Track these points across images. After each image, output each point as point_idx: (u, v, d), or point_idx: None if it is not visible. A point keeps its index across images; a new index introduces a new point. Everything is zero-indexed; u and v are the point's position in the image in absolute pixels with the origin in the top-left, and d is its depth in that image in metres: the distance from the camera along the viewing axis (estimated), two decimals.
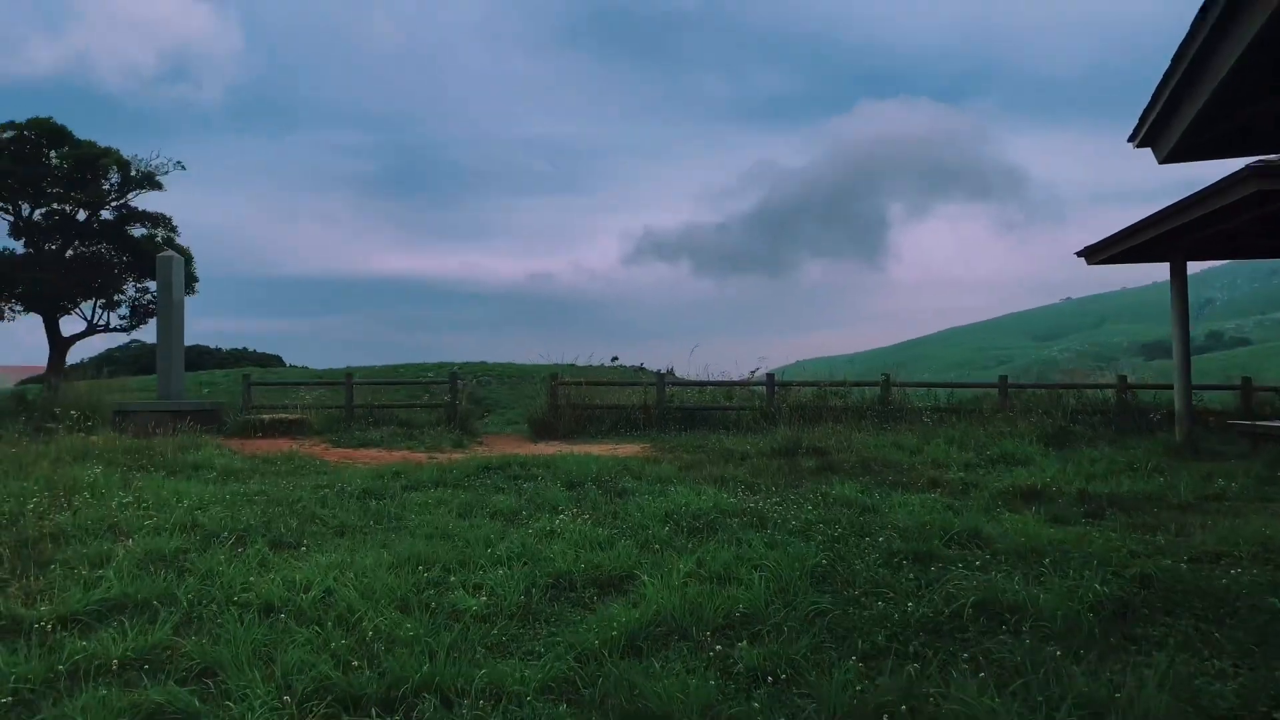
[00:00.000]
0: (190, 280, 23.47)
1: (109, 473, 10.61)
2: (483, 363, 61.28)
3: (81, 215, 22.54)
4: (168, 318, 17.86)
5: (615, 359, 71.67)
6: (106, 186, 22.22)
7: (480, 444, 16.69)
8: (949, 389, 20.30)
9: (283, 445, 15.63)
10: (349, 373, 19.03)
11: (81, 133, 21.83)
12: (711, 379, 21.96)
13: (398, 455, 14.36)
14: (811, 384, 17.89)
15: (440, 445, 15.59)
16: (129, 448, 12.47)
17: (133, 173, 22.27)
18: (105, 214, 22.78)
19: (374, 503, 8.78)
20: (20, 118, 22.43)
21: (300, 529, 7.59)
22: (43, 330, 22.15)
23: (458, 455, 14.45)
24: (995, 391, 18.42)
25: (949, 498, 9.23)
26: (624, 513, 8.09)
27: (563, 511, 8.24)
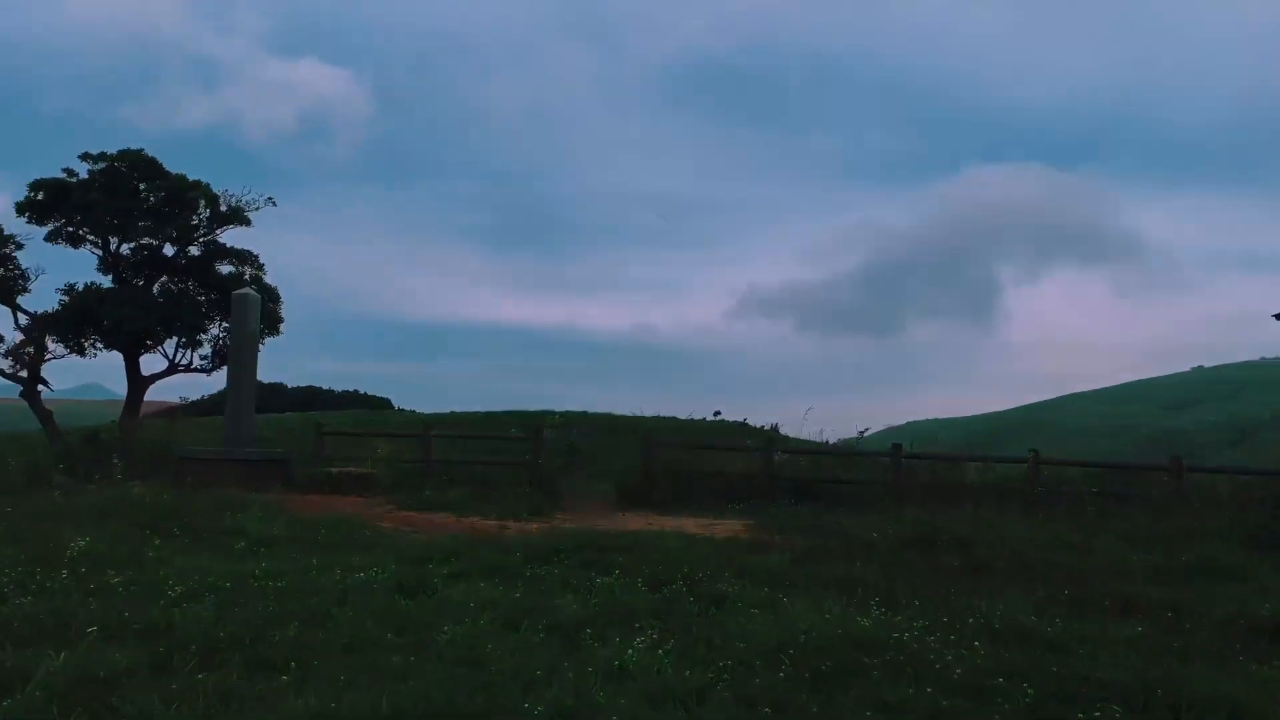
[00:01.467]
0: (274, 321, 22.59)
1: (121, 539, 9.17)
2: (583, 412, 59.85)
3: (169, 250, 21.93)
4: (239, 359, 16.74)
5: (718, 414, 68.86)
6: (195, 221, 21.60)
7: (561, 511, 14.85)
8: (1102, 469, 17.51)
9: (346, 504, 14.11)
10: (427, 422, 17.54)
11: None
12: (825, 442, 19.74)
13: (466, 523, 12.62)
14: (945, 457, 15.55)
15: (516, 512, 13.80)
16: (164, 506, 11.06)
17: (222, 208, 21.60)
18: (193, 250, 22.13)
19: (405, 602, 6.95)
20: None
21: (298, 640, 5.81)
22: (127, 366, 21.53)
23: (533, 526, 12.64)
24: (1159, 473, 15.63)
25: (1159, 630, 6.89)
26: (721, 639, 6.04)
27: (640, 630, 6.26)
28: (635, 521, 13.74)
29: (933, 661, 5.62)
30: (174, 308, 21.33)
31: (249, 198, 22.00)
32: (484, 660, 5.55)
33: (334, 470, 16.09)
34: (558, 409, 59.91)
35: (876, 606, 7.24)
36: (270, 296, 22.50)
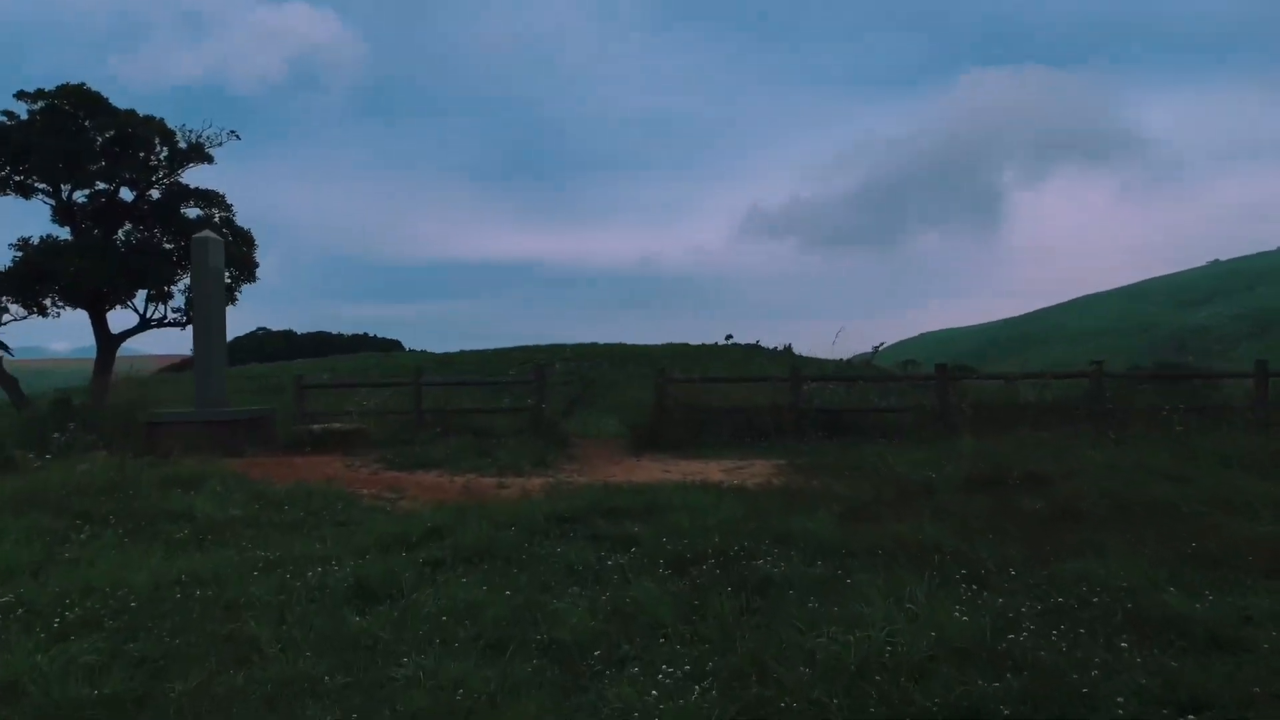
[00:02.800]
0: (249, 267, 20.86)
1: (39, 534, 7.66)
2: (593, 344, 58.67)
3: (128, 196, 20.12)
4: (203, 309, 15.09)
5: (729, 337, 67.42)
6: (153, 162, 19.76)
7: (568, 460, 13.33)
8: (1181, 379, 15.81)
9: (328, 466, 12.61)
10: (418, 368, 15.94)
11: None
12: (846, 361, 18.13)
13: (459, 484, 11.10)
14: (998, 376, 13.88)
15: (518, 464, 12.27)
16: (104, 484, 9.53)
17: (180, 144, 19.69)
18: (154, 194, 20.29)
19: (359, 617, 5.40)
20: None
21: (203, 691, 4.29)
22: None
23: (535, 482, 11.11)
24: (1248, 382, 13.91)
25: None
26: (777, 655, 4.47)
27: (667, 647, 4.71)
28: (651, 469, 12.21)
29: (1076, 683, 4.04)
30: (138, 258, 19.58)
31: (209, 132, 20.11)
32: (453, 709, 4.02)
33: (317, 428, 14.57)
34: (568, 342, 58.62)
35: (964, 585, 5.66)
36: (243, 240, 20.76)
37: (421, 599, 5.62)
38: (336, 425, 14.68)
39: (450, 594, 5.67)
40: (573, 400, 40.92)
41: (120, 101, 19.52)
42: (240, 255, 20.34)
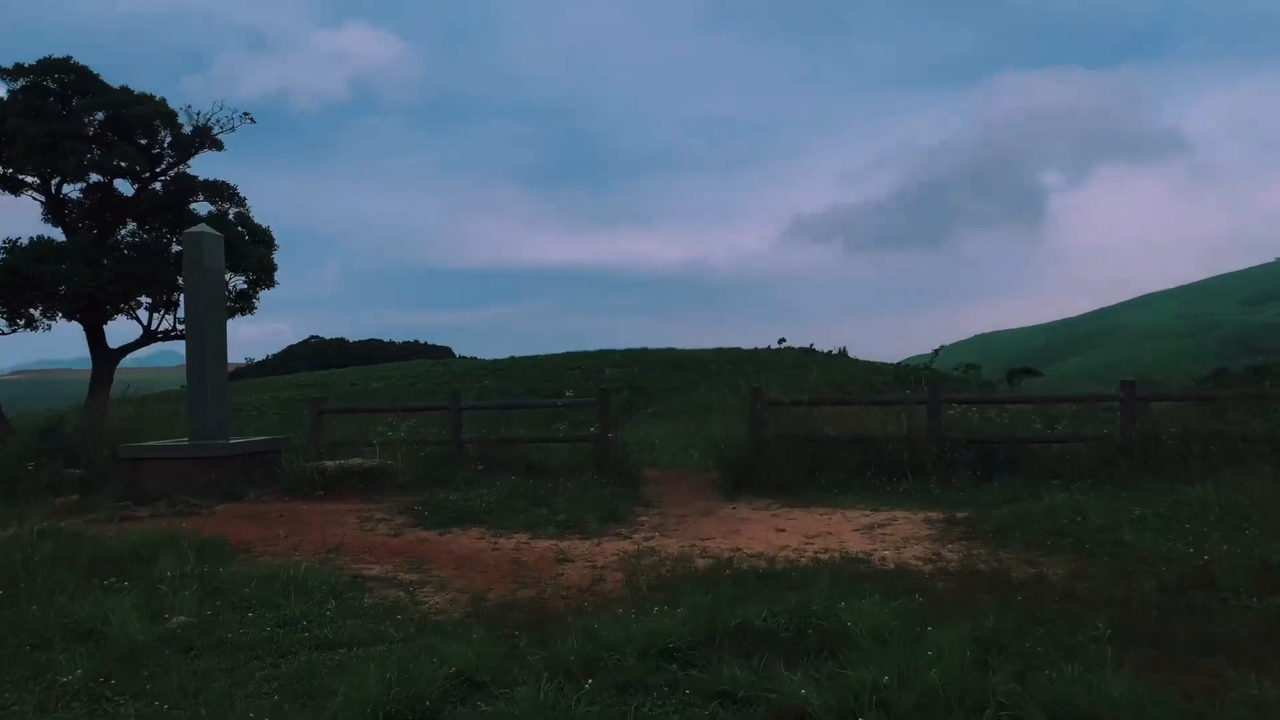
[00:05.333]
0: (267, 270, 18.18)
1: None
2: (643, 349, 55.95)
3: (127, 190, 17.58)
4: (198, 318, 12.39)
5: (782, 341, 64.40)
6: (155, 151, 17.22)
7: (645, 505, 10.39)
8: None
9: (339, 523, 9.81)
10: (455, 393, 13.09)
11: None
12: (988, 386, 14.96)
13: (507, 550, 8.19)
14: (1207, 396, 10.64)
15: (582, 518, 9.33)
16: (4, 573, 6.77)
17: (184, 128, 17.13)
18: (156, 187, 17.71)
19: None
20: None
21: None
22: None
23: (609, 547, 8.18)
24: None
25: None
26: None
27: None
28: (757, 526, 9.24)
29: None
30: (139, 261, 17.00)
31: (219, 115, 17.50)
32: None
33: (331, 465, 11.77)
34: (617, 348, 55.97)
35: None
36: (260, 239, 18.11)
37: None
38: (356, 461, 11.87)
39: None
40: (624, 408, 38.13)
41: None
42: (257, 257, 17.70)
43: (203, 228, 12.76)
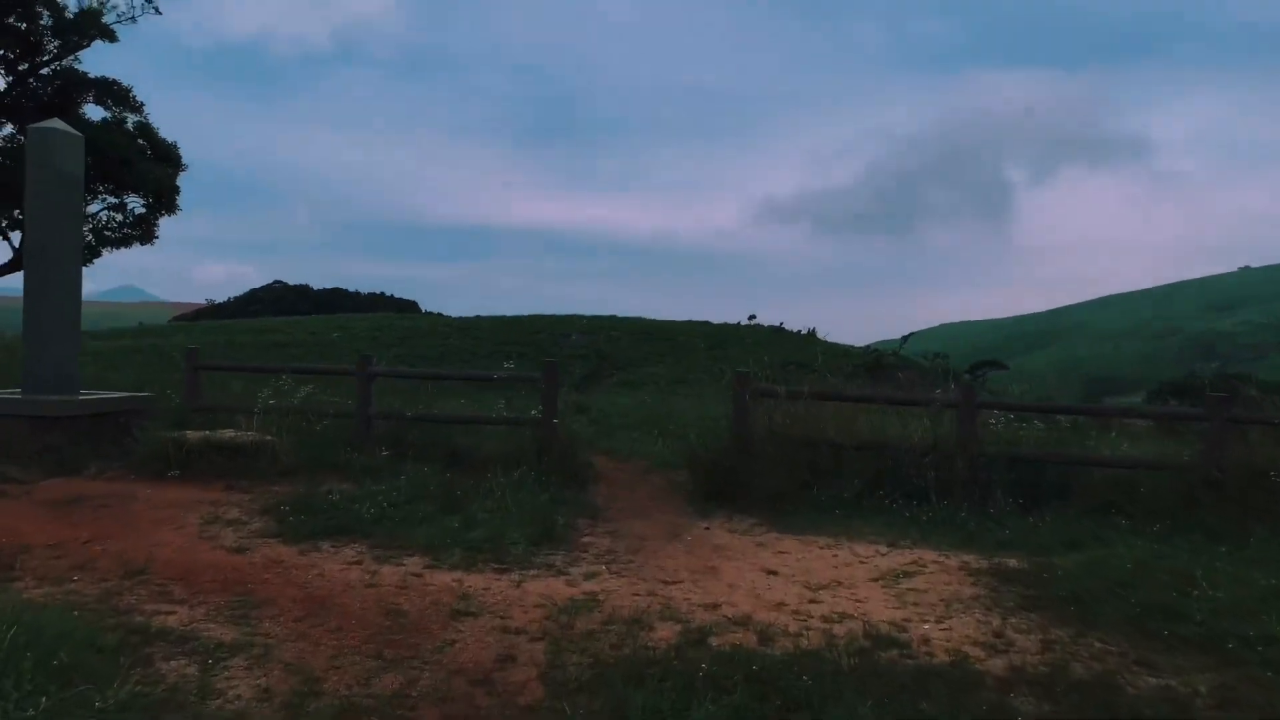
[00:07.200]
0: (169, 193, 15.36)
1: None
2: (611, 316, 53.56)
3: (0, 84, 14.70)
4: (39, 236, 9.75)
5: (752, 318, 62.22)
6: (34, 38, 14.33)
7: (593, 519, 7.94)
8: None
9: (179, 519, 7.31)
10: (366, 356, 10.49)
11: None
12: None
13: (385, 589, 5.72)
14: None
15: (506, 539, 6.86)
16: None
17: (67, 11, 14.20)
18: (35, 83, 14.83)
19: None
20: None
21: None
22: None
23: (533, 591, 5.74)
24: None
25: None
26: None
27: None
28: (742, 562, 6.86)
29: None
30: (10, 170, 14.17)
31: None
32: None
33: (192, 437, 9.18)
34: (584, 313, 53.53)
35: None
36: (164, 156, 15.29)
37: None
38: (227, 434, 9.30)
39: None
40: (587, 376, 35.67)
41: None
42: (156, 177, 14.90)
43: (54, 122, 10.06)
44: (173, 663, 4.39)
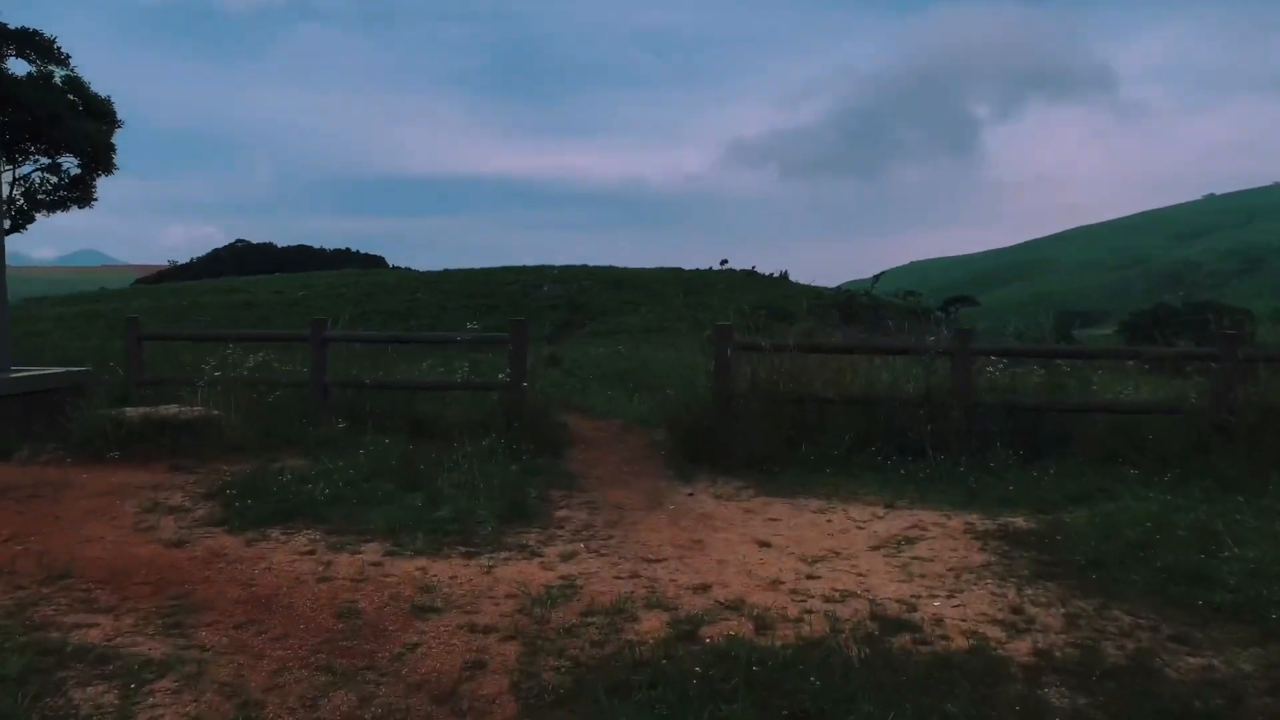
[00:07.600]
0: (104, 149, 14.44)
1: None
2: (582, 265, 52.93)
3: None
4: None
5: (724, 262, 61.82)
6: None
7: (569, 491, 7.40)
8: None
9: (114, 509, 6.70)
10: (319, 320, 9.81)
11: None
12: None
13: (348, 571, 5.16)
14: None
15: (474, 519, 6.31)
16: None
17: None
18: None
19: None
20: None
21: None
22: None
23: (507, 574, 5.19)
24: None
25: None
26: None
27: None
28: (731, 530, 6.36)
29: None
30: None
31: None
32: None
33: (132, 414, 8.52)
34: (555, 264, 52.76)
35: None
36: (97, 111, 14.35)
37: None
38: (171, 409, 8.64)
39: None
40: (561, 326, 35.00)
41: None
42: (88, 134, 13.98)
43: None
44: (89, 689, 3.81)
